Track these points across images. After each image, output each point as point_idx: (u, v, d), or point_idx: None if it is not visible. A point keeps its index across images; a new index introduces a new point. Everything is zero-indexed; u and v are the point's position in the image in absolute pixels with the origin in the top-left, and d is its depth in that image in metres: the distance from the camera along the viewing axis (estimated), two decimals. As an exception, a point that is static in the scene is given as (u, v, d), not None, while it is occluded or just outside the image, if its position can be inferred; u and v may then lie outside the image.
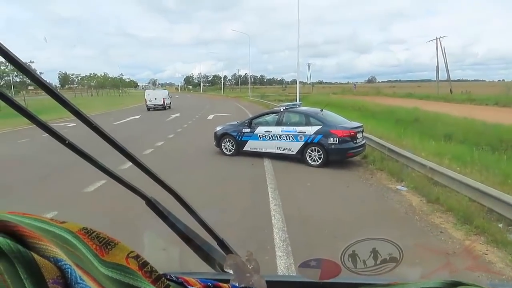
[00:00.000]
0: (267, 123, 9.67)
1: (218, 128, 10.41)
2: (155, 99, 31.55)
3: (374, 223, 5.06)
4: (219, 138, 10.13)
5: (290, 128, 9.04)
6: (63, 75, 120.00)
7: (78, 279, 0.47)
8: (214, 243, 0.80)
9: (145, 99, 32.17)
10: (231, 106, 35.23)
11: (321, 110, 9.29)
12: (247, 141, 9.66)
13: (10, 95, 0.57)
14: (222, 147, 10.04)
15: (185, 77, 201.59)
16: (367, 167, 8.57)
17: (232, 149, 9.90)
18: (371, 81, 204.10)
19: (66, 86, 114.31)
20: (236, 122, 10.45)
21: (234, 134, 9.85)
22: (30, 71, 0.56)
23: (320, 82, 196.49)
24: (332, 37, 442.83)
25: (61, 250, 0.50)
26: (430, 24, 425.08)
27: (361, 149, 8.79)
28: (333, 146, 8.38)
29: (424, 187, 6.45)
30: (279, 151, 9.18)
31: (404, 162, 7.93)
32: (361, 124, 9.19)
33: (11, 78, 47.75)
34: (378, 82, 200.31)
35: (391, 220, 5.33)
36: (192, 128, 17.36)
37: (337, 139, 8.34)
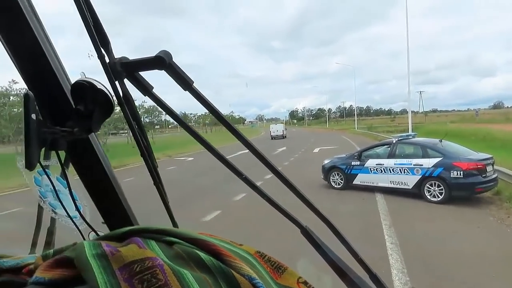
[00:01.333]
0: (378, 156, 9.23)
1: (326, 161, 10.31)
2: (277, 131, 43.96)
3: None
4: (327, 171, 10.00)
5: (405, 161, 8.45)
6: (183, 114, 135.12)
7: None
8: (366, 277, 0.80)
9: (270, 131, 45.00)
10: (336, 139, 34.68)
11: (440, 141, 8.51)
12: (357, 174, 9.33)
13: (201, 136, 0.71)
14: (330, 180, 9.87)
15: (289, 111, 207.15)
16: (501, 205, 7.42)
17: (341, 183, 9.65)
18: (497, 106, 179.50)
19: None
20: (344, 155, 10.22)
21: (343, 167, 9.63)
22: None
23: (434, 111, 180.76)
24: (446, 62, 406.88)
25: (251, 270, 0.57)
26: None
27: (492, 183, 7.70)
28: (456, 180, 7.52)
29: None
30: (392, 185, 8.62)
31: (552, 200, 6.66)
32: (490, 156, 8.10)
33: (142, 119, 55.89)
34: (507, 107, 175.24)
35: (541, 269, 4.46)
36: (299, 162, 17.52)
37: (462, 172, 7.48)
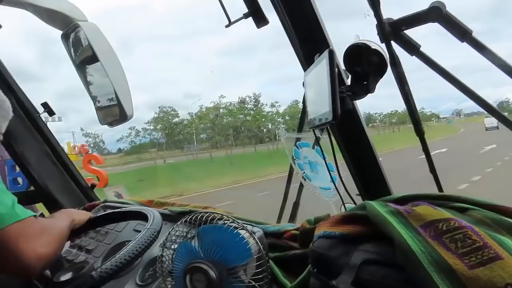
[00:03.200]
0: None
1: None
2: (491, 123, 44.81)
3: None
4: None
5: None
6: (367, 115, 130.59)
7: None
8: None
9: (484, 123, 45.67)
10: None
11: None
12: None
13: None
14: None
15: (497, 102, 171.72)
16: None
17: None
18: None
19: (370, 125, 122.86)
20: None
21: None
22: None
23: None
24: None
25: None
26: None
27: None
28: None
29: None
30: None
31: None
32: None
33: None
34: None
35: None
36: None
37: None
